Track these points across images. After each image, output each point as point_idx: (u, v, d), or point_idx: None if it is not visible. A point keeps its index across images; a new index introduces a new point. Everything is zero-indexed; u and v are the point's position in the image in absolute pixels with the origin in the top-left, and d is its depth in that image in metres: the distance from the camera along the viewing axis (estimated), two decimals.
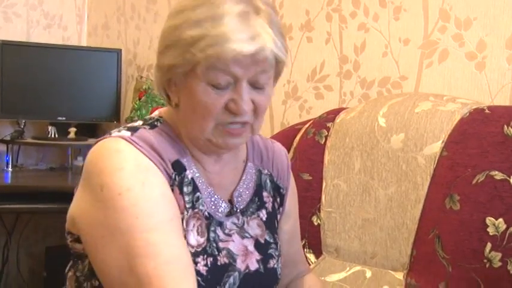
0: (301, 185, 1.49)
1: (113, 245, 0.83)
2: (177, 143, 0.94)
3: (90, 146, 0.93)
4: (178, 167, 0.92)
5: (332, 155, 1.47)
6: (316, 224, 1.44)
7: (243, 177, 1.01)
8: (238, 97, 0.88)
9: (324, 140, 1.50)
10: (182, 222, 0.89)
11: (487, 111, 1.28)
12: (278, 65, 0.91)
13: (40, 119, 2.46)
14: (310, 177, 1.49)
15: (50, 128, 2.43)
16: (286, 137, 1.61)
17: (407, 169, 1.34)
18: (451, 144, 1.29)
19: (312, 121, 1.59)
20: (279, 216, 1.06)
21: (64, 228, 0.95)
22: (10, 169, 2.37)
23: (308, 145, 1.53)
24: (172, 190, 0.90)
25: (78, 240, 0.91)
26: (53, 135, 2.43)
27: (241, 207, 0.99)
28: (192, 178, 0.93)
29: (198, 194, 0.93)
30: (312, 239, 1.41)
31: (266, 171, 1.05)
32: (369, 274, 1.33)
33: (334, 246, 1.41)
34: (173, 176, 0.91)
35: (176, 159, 0.92)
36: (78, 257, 0.94)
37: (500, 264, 1.14)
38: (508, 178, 1.17)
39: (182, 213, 0.90)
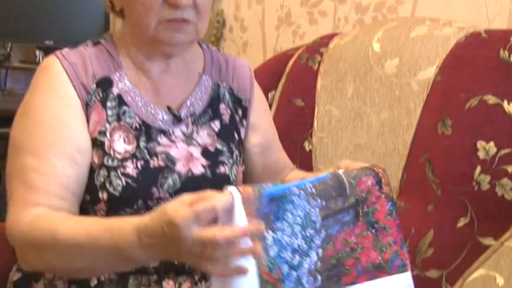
0: (293, 111, 1.49)
1: (8, 159, 0.93)
2: (113, 57, 0.99)
3: None
4: (104, 84, 0.96)
5: (325, 81, 1.46)
6: (308, 149, 1.45)
7: (196, 89, 1.04)
8: None
9: (317, 66, 1.49)
10: (105, 134, 0.94)
11: (483, 35, 1.26)
12: None
13: (27, 42, 2.40)
14: (303, 103, 1.48)
15: (37, 52, 2.38)
16: (278, 62, 1.59)
17: (400, 94, 1.34)
18: (445, 69, 1.28)
19: (305, 46, 1.57)
20: (242, 129, 1.09)
21: None
22: None
23: (301, 71, 1.52)
24: (91, 106, 0.95)
25: None
26: (41, 60, 2.39)
27: (190, 114, 1.01)
28: (119, 94, 0.97)
29: (124, 107, 0.97)
30: (304, 165, 1.42)
31: (225, 84, 1.08)
32: None
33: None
34: (93, 91, 0.95)
35: (104, 76, 0.96)
36: None
37: (488, 186, 1.15)
38: (501, 102, 1.17)
39: (104, 125, 0.94)
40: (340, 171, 0.89)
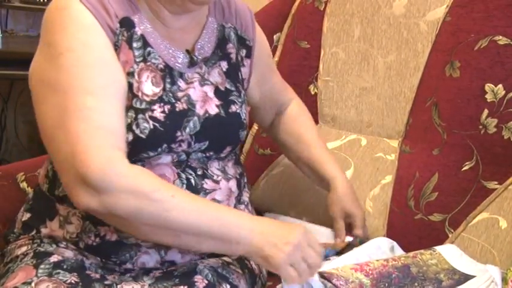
0: (298, 53, 1.46)
1: (51, 102, 0.88)
2: (131, 1, 0.96)
3: None
4: (127, 24, 0.94)
5: (331, 22, 1.43)
6: (313, 93, 1.43)
7: (204, 31, 1.04)
8: None
9: (323, 6, 1.45)
10: (134, 75, 0.93)
11: None
12: None
13: None
14: (308, 45, 1.46)
15: None
16: (284, 3, 1.56)
17: (408, 36, 1.31)
18: (455, 8, 1.24)
19: None
20: (243, 69, 1.10)
21: None
22: (0, 34, 2.31)
23: (307, 12, 1.48)
24: (119, 46, 0.92)
25: None
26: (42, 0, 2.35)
27: (203, 57, 1.02)
28: (142, 34, 0.95)
29: (149, 49, 0.95)
30: (309, 108, 1.40)
31: (229, 24, 1.08)
32: (364, 142, 1.34)
33: (330, 116, 1.41)
34: (118, 32, 0.92)
35: (125, 16, 0.94)
36: None
37: (495, 130, 1.14)
38: (511, 43, 1.14)
39: (132, 66, 0.93)
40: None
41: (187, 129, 0.96)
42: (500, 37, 1.16)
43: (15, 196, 1.20)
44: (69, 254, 0.95)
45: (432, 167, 1.21)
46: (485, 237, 1.11)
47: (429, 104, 1.25)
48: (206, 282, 0.94)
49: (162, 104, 0.94)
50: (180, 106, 0.96)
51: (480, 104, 1.16)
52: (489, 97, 1.16)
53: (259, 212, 1.16)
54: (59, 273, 0.90)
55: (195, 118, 0.97)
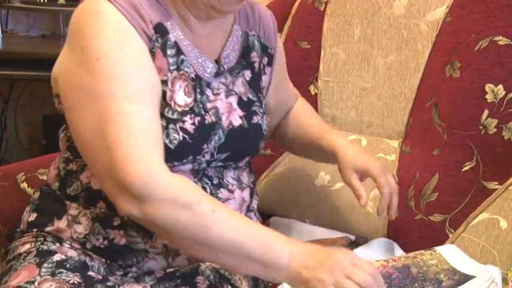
0: (298, 54, 1.46)
1: (88, 108, 0.86)
2: (162, 5, 0.93)
3: None
4: (161, 30, 0.92)
5: (331, 23, 1.43)
6: (313, 93, 1.43)
7: (230, 39, 1.02)
8: None
9: (323, 7, 1.45)
10: (167, 84, 0.91)
11: None
12: None
13: None
14: (308, 46, 1.45)
15: None
16: (284, 3, 1.55)
17: (408, 36, 1.31)
18: (456, 9, 1.24)
19: None
20: (264, 77, 1.08)
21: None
22: (0, 34, 2.31)
23: (307, 12, 1.48)
24: (154, 53, 0.90)
25: None
26: (42, 0, 2.34)
27: (229, 66, 1.00)
28: (176, 41, 0.93)
29: (182, 56, 0.93)
30: None
31: (253, 32, 1.06)
32: (364, 142, 1.34)
33: (330, 116, 1.41)
34: (154, 38, 0.90)
35: (159, 22, 0.91)
36: None
37: (495, 130, 1.14)
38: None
39: (166, 74, 0.91)
40: None
41: (213, 142, 0.95)
42: (501, 37, 1.16)
43: (16, 196, 1.20)
44: (72, 253, 0.94)
45: (432, 167, 1.21)
46: (485, 237, 1.11)
47: (429, 105, 1.25)
48: (208, 283, 0.93)
49: (193, 116, 0.92)
50: (209, 119, 0.94)
51: (480, 105, 1.16)
52: (489, 97, 1.16)
53: (261, 213, 1.16)
54: (61, 272, 0.90)
55: (221, 130, 0.96)
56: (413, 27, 1.30)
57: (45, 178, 1.15)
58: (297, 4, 1.52)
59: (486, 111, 1.16)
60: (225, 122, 0.97)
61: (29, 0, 2.36)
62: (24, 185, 1.23)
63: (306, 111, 1.25)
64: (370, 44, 1.36)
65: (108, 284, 0.91)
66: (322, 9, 1.45)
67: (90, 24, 0.87)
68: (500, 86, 1.15)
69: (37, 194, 1.04)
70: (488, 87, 1.16)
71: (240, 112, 1.00)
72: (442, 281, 0.98)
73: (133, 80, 0.86)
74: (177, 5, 0.94)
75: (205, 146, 0.94)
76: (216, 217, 0.83)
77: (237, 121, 0.99)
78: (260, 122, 1.02)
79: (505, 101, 1.14)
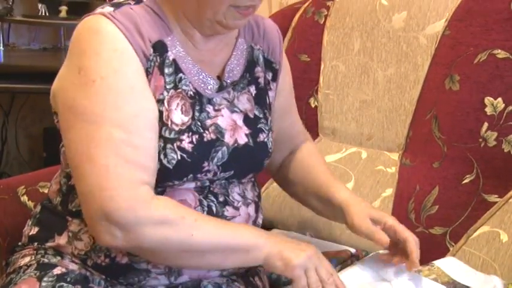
0: (299, 67, 1.47)
1: (79, 130, 0.86)
2: (163, 20, 0.92)
3: None
4: (160, 48, 0.91)
5: (331, 36, 1.44)
6: (313, 106, 1.44)
7: (234, 53, 1.01)
8: None
9: (323, 20, 1.46)
10: (163, 103, 0.90)
11: None
12: None
13: None
14: (308, 59, 1.46)
15: (40, 5, 2.35)
16: (284, 16, 1.56)
17: (407, 49, 1.31)
18: (454, 22, 1.25)
19: (311, 0, 1.54)
20: (270, 92, 1.06)
21: None
22: (2, 48, 2.32)
23: (307, 25, 1.49)
24: (151, 72, 0.90)
25: None
26: (43, 13, 2.36)
27: (232, 81, 0.99)
28: (174, 59, 0.92)
29: (180, 74, 0.92)
30: (309, 121, 1.41)
31: (258, 46, 1.05)
32: (364, 155, 1.35)
33: (330, 128, 1.41)
34: (152, 57, 0.90)
35: (158, 40, 0.91)
36: None
37: (495, 143, 1.15)
38: (510, 56, 1.14)
39: (162, 93, 0.90)
40: None
41: (215, 160, 0.94)
42: (499, 51, 1.17)
43: (16, 210, 1.20)
44: (73, 266, 0.94)
45: (432, 180, 1.21)
46: (486, 250, 1.11)
47: (429, 117, 1.25)
48: None
49: (190, 134, 0.91)
50: (208, 136, 0.93)
51: (480, 117, 1.17)
52: (489, 110, 1.16)
53: (261, 225, 1.15)
54: (62, 286, 0.89)
55: (224, 148, 0.95)
56: (413, 40, 1.31)
57: (45, 191, 1.15)
58: (297, 17, 1.53)
59: (486, 124, 1.16)
60: (229, 140, 0.96)
61: (30, 13, 2.38)
62: (24, 198, 1.23)
63: (316, 158, 1.17)
64: (370, 56, 1.37)
65: None
66: (322, 23, 1.46)
67: (88, 44, 0.87)
68: (499, 99, 1.15)
69: (38, 208, 1.04)
70: (488, 100, 1.17)
71: (245, 130, 0.98)
72: None
73: (125, 104, 0.86)
74: (182, 21, 0.94)
75: (205, 164, 0.93)
76: (199, 224, 0.87)
77: (242, 139, 0.97)
78: (266, 140, 1.01)
79: (505, 114, 1.14)
